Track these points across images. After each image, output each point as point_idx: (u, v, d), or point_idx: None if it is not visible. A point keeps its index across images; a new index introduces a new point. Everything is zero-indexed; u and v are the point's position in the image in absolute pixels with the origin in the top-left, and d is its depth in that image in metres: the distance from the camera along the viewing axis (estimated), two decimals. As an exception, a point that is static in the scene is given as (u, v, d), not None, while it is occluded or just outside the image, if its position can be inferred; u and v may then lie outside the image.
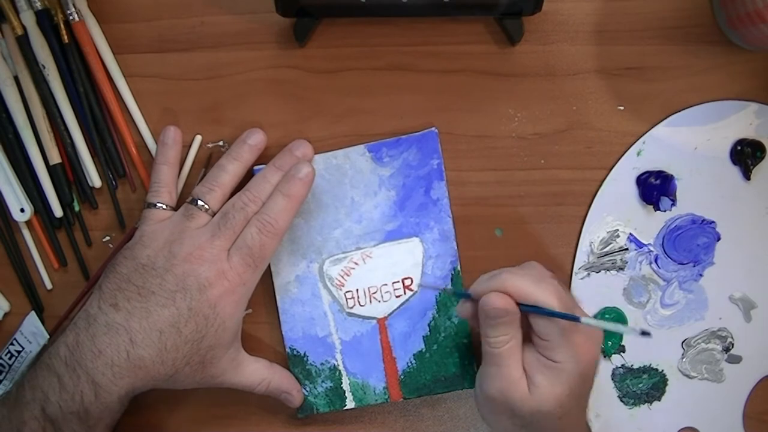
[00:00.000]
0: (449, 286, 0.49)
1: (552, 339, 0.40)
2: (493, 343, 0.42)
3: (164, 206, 0.46)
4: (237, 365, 0.46)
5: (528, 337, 0.42)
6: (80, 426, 0.42)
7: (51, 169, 0.50)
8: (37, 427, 0.41)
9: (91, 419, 0.42)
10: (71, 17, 0.48)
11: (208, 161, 0.50)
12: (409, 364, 0.49)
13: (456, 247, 0.49)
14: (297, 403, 0.49)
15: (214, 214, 0.45)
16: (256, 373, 0.47)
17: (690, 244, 0.50)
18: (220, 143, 0.50)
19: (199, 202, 0.45)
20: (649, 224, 0.50)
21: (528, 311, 0.41)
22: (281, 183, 0.45)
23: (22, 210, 0.50)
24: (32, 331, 0.51)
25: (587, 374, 0.42)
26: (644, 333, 0.36)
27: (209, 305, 0.43)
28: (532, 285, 0.41)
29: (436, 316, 0.49)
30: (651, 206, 0.50)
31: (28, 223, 0.51)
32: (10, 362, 0.50)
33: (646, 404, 0.51)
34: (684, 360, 0.50)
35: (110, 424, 0.45)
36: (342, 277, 0.49)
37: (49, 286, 0.52)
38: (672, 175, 0.49)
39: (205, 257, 0.43)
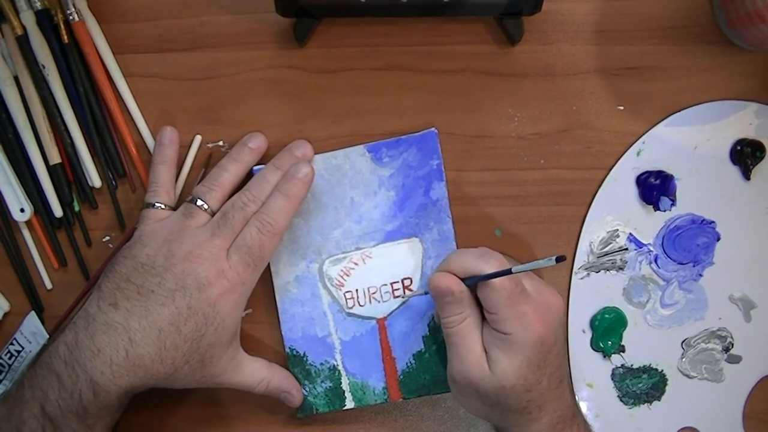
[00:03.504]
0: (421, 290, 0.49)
1: (499, 310, 0.41)
2: (446, 323, 0.43)
3: (163, 206, 0.46)
4: (236, 365, 0.46)
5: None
6: (79, 425, 0.42)
7: (51, 169, 0.50)
8: (37, 426, 0.41)
9: (90, 418, 0.42)
10: (71, 17, 0.48)
11: (208, 161, 0.50)
12: (409, 364, 0.49)
13: (456, 248, 0.49)
14: (297, 402, 0.49)
15: (213, 214, 0.46)
16: (256, 372, 0.47)
17: (690, 244, 0.50)
18: (220, 143, 0.50)
19: (199, 201, 0.45)
20: (649, 224, 0.50)
21: (470, 283, 0.42)
22: (281, 183, 0.45)
23: (22, 210, 0.50)
24: (32, 331, 0.51)
25: (545, 342, 0.42)
26: (559, 258, 0.36)
27: (209, 304, 0.43)
28: (475, 259, 0.42)
29: (436, 316, 0.49)
30: (651, 206, 0.50)
31: (28, 223, 0.51)
32: (10, 362, 0.50)
33: (645, 404, 0.51)
34: (684, 360, 0.50)
35: (110, 423, 0.45)
36: (341, 277, 0.49)
37: (49, 286, 0.52)
38: (672, 175, 0.49)
39: (204, 256, 0.43)
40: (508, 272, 0.40)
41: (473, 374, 0.42)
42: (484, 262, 0.42)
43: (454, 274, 0.43)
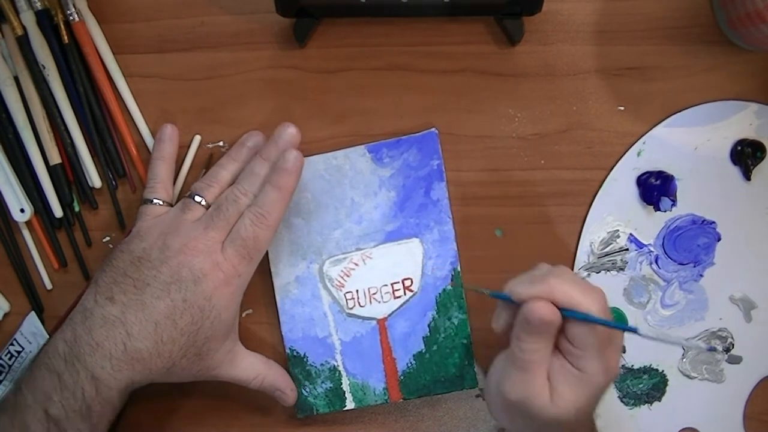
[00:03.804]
0: (487, 290, 0.45)
1: (587, 349, 0.39)
2: (526, 350, 0.40)
3: (160, 202, 0.46)
4: (233, 358, 0.46)
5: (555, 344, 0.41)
6: (84, 425, 0.41)
7: (51, 169, 0.50)
8: (42, 430, 0.41)
9: (94, 416, 0.42)
10: (71, 17, 0.49)
11: (208, 162, 0.50)
12: (409, 364, 0.49)
13: (456, 248, 0.49)
14: (290, 402, 0.49)
15: None
16: (252, 367, 0.47)
17: (690, 245, 0.50)
18: (220, 143, 0.50)
19: (197, 197, 0.45)
20: (650, 224, 0.50)
21: (574, 317, 0.39)
22: (270, 175, 0.45)
23: (22, 210, 0.50)
24: (32, 331, 0.51)
25: (609, 386, 0.41)
26: (711, 349, 0.36)
27: (204, 297, 0.43)
28: (581, 294, 0.39)
29: (436, 316, 0.49)
30: (651, 206, 0.50)
31: (28, 223, 0.51)
32: (10, 362, 0.50)
33: (646, 405, 0.50)
34: (684, 360, 0.50)
35: (111, 419, 0.44)
36: (342, 277, 0.49)
37: (49, 286, 0.52)
38: (672, 176, 0.49)
39: (199, 248, 0.43)
40: (633, 330, 0.38)
41: (533, 401, 0.40)
42: (590, 300, 0.39)
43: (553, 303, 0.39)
